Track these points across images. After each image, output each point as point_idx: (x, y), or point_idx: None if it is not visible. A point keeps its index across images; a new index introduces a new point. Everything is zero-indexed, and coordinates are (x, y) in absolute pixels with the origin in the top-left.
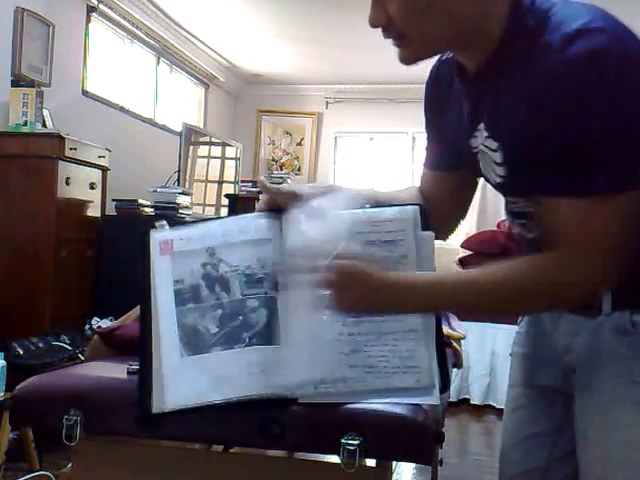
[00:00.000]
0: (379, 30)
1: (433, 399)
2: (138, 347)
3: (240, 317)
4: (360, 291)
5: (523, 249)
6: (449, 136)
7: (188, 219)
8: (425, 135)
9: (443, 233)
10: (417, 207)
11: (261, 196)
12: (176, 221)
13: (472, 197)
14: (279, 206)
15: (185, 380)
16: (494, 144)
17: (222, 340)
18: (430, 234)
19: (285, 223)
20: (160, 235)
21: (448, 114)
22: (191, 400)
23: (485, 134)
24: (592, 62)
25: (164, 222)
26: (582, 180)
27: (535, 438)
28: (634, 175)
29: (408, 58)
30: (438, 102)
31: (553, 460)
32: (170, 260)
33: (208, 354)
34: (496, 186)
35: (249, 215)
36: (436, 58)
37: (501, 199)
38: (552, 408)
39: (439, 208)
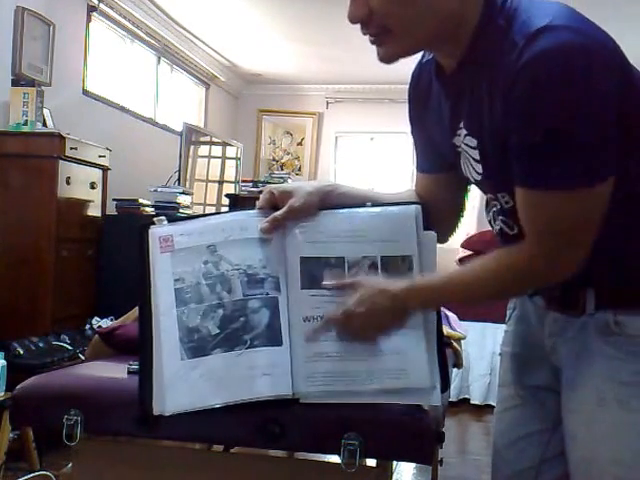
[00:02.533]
0: None
1: (434, 400)
2: (138, 347)
3: (241, 318)
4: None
5: (501, 243)
6: (433, 138)
7: None
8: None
9: (442, 235)
10: (419, 206)
11: (262, 194)
12: (174, 217)
13: (464, 198)
14: (279, 205)
15: (186, 384)
16: (473, 141)
17: (223, 342)
18: (432, 234)
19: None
20: (160, 230)
21: (430, 116)
22: (192, 404)
23: (465, 132)
24: (554, 58)
25: (163, 218)
26: (544, 173)
27: (528, 438)
28: (594, 170)
29: (389, 55)
30: (420, 105)
31: (546, 459)
32: (170, 258)
33: (209, 356)
34: (476, 183)
35: (251, 212)
36: (417, 62)
37: None
38: (544, 407)
39: (434, 210)
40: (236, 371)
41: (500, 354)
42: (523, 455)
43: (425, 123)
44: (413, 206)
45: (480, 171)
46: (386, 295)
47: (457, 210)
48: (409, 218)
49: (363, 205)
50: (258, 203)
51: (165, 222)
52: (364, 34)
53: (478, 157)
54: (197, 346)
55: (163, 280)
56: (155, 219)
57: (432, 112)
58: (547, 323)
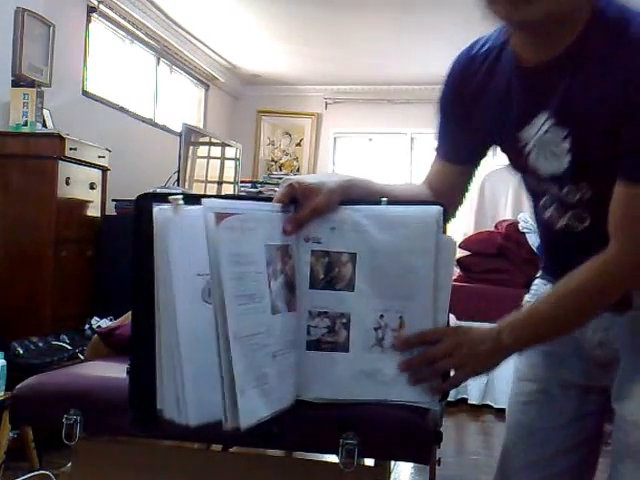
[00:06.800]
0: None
1: (433, 403)
2: (135, 345)
3: (276, 329)
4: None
5: (559, 241)
6: (478, 128)
7: None
8: (437, 128)
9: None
10: (441, 208)
11: (280, 187)
12: (190, 195)
13: (468, 191)
14: (297, 198)
15: (247, 397)
16: (562, 132)
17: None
18: (451, 239)
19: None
20: (214, 205)
21: (483, 106)
22: (254, 418)
23: (551, 122)
24: None
25: (179, 197)
26: None
27: (546, 431)
28: None
29: (534, 15)
30: (467, 96)
31: (559, 452)
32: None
33: (259, 365)
34: (550, 178)
35: (269, 205)
36: (464, 52)
37: (498, 201)
38: (567, 402)
39: (445, 199)
40: (272, 380)
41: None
42: (538, 447)
43: (471, 114)
44: (435, 207)
45: (566, 162)
46: (483, 333)
47: (459, 201)
48: (430, 220)
49: (381, 202)
50: (276, 196)
51: (181, 202)
52: None
53: (568, 147)
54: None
55: (188, 264)
56: (171, 197)
57: (487, 105)
58: (590, 321)
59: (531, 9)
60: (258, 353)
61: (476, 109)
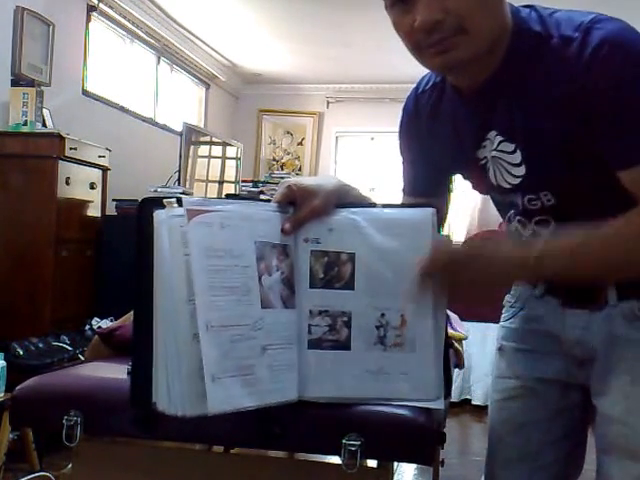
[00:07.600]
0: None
1: (437, 404)
2: (136, 344)
3: (267, 323)
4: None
5: None
6: (437, 161)
7: None
8: (402, 170)
9: None
10: (434, 209)
11: (279, 188)
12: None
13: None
14: (295, 200)
15: (221, 385)
16: (510, 146)
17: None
18: (447, 238)
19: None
20: (192, 201)
21: (436, 140)
22: (228, 405)
23: (499, 139)
24: (623, 37)
25: (173, 200)
26: None
27: (530, 425)
28: None
29: (460, 59)
30: (421, 131)
31: (545, 445)
32: (205, 237)
33: (242, 356)
34: (512, 189)
35: (269, 205)
36: (410, 95)
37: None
38: (548, 397)
39: None
40: (264, 372)
41: (500, 348)
42: (525, 440)
43: (426, 148)
44: (429, 209)
45: (521, 174)
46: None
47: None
48: (425, 220)
49: (375, 205)
50: (275, 197)
51: (175, 205)
52: (432, 40)
53: (519, 160)
54: (231, 343)
55: (177, 262)
56: (165, 201)
57: (438, 135)
58: (568, 319)
59: (455, 54)
60: (241, 344)
61: (432, 142)
